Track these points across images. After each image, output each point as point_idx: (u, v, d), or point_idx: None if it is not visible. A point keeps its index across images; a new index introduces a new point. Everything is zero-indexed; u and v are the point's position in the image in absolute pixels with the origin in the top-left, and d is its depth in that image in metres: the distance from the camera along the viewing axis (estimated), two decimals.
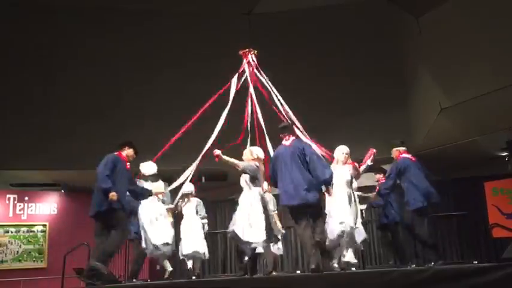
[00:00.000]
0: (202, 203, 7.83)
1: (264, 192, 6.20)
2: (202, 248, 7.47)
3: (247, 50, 7.70)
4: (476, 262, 8.44)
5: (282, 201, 5.63)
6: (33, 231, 11.39)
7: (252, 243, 5.77)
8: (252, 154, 6.19)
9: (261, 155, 6.26)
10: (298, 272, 9.45)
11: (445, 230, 10.79)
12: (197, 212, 7.67)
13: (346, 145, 6.75)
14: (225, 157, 5.89)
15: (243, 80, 7.55)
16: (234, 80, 7.50)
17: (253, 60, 7.67)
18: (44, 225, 11.51)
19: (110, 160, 5.79)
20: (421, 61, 9.59)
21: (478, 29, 8.25)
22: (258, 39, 9.94)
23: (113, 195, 5.45)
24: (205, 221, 7.79)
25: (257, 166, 6.03)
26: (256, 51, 7.69)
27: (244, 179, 6.09)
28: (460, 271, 4.87)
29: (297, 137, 6.22)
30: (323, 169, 5.44)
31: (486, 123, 8.92)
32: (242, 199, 6.05)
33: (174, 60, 10.27)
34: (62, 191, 11.76)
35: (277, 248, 6.95)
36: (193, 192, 7.73)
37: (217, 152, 5.90)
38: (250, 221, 5.76)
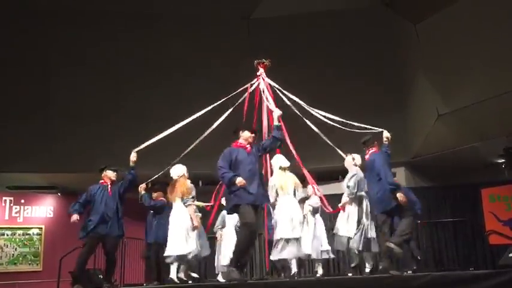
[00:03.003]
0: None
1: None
2: None
3: (261, 61, 7.66)
4: (472, 269, 8.44)
5: None
6: (29, 234, 11.33)
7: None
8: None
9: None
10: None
11: (442, 236, 10.79)
12: None
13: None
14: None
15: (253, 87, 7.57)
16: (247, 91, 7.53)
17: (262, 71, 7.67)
18: (40, 228, 11.45)
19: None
20: (419, 67, 9.63)
21: (475, 36, 8.29)
22: (257, 43, 9.99)
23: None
24: None
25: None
26: (267, 61, 7.67)
27: None
28: (457, 278, 4.87)
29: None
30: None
31: (483, 130, 8.93)
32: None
33: (174, 63, 10.27)
34: (59, 194, 11.71)
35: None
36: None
37: None
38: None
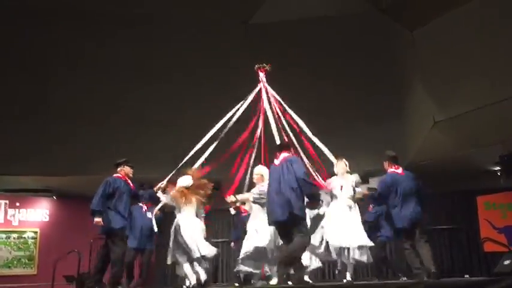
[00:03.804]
0: None
1: None
2: None
3: (262, 65, 7.74)
4: (467, 276, 8.46)
5: None
6: (24, 238, 11.29)
7: None
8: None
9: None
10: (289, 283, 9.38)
11: (437, 243, 10.81)
12: None
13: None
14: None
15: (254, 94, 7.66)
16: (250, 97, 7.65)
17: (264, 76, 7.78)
18: (35, 232, 11.42)
19: None
20: (415, 74, 9.66)
21: (471, 43, 8.32)
22: (255, 48, 10.02)
23: None
24: None
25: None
26: (268, 66, 7.76)
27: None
28: (451, 285, 4.87)
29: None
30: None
31: (479, 137, 8.96)
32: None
33: (173, 66, 10.26)
34: (54, 197, 11.68)
35: None
36: None
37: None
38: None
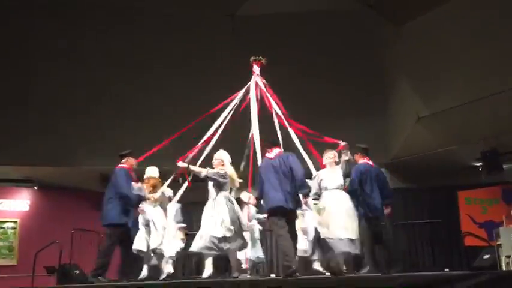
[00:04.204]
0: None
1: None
2: None
3: (257, 58, 7.75)
4: (447, 270, 8.55)
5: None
6: (4, 228, 11.13)
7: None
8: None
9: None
10: (273, 275, 9.43)
11: (419, 237, 10.93)
12: None
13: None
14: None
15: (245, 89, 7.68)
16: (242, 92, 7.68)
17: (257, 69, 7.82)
18: (15, 222, 11.26)
19: None
20: (400, 70, 9.71)
21: (456, 41, 8.40)
22: (241, 41, 9.98)
23: None
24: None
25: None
26: (264, 59, 7.77)
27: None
28: (431, 279, 4.91)
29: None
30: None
31: (462, 134, 9.05)
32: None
33: (155, 59, 10.21)
34: (35, 187, 11.51)
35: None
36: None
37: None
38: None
